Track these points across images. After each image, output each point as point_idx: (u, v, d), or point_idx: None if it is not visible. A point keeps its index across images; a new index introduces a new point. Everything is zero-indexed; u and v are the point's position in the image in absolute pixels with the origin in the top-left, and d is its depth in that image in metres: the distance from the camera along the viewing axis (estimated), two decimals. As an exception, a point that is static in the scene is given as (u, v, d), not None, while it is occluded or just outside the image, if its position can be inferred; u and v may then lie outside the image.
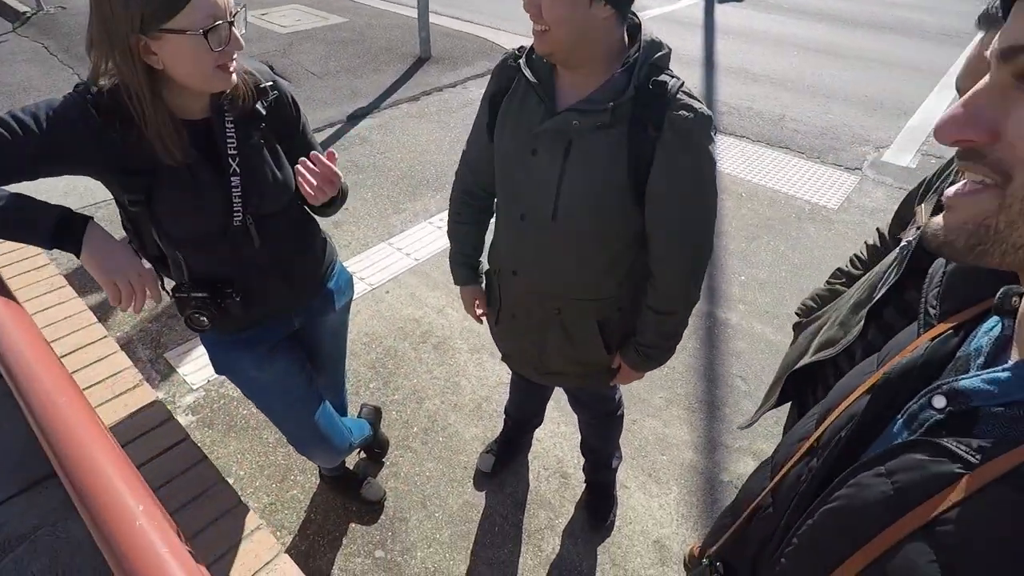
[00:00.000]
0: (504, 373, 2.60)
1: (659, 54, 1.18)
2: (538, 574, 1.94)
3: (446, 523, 2.06)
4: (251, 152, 1.24)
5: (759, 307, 3.06)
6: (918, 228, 1.11)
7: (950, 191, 0.44)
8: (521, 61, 1.26)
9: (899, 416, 0.55)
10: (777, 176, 4.25)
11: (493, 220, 1.54)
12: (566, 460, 2.27)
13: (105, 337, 1.95)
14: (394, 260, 3.30)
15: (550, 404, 2.15)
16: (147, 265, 1.19)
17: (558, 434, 2.38)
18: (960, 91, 0.86)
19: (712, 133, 1.18)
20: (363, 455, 2.25)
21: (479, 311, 1.67)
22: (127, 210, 1.20)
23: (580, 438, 2.06)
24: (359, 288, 3.05)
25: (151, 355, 2.64)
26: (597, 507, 2.09)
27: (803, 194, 4.04)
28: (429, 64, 5.92)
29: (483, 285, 1.66)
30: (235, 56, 1.12)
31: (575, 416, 1.97)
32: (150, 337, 2.73)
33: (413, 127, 4.76)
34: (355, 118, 4.86)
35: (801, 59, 6.42)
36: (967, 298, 0.58)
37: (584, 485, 2.18)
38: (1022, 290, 0.50)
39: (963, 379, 0.49)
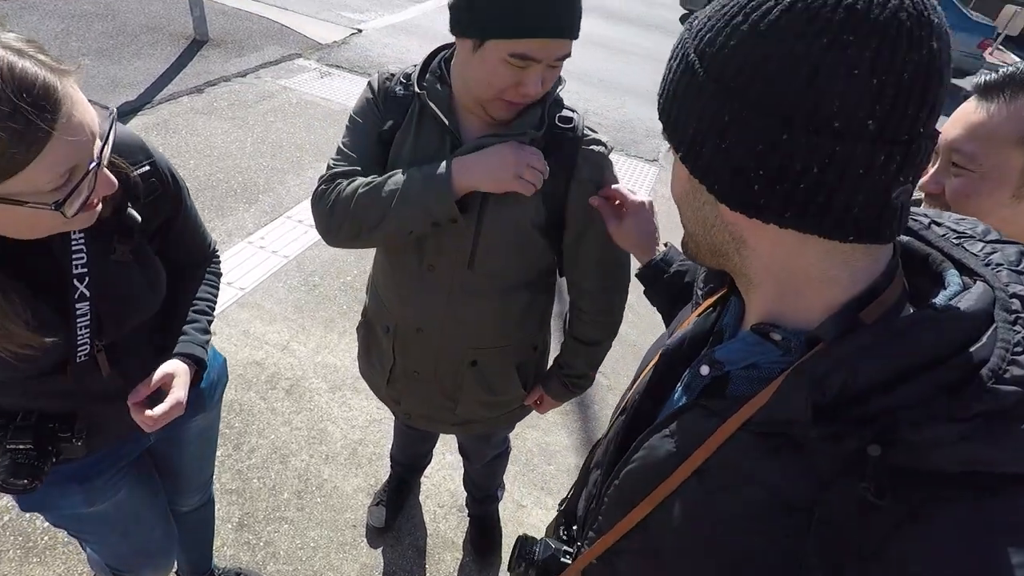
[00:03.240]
0: (375, 409, 2.39)
1: (561, 87, 1.16)
2: (457, 625, 1.84)
3: (345, 597, 1.84)
4: (112, 271, 0.92)
5: (638, 311, 3.24)
6: None
7: None
8: (422, 95, 1.12)
9: (679, 384, 0.66)
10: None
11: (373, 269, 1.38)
12: (459, 493, 2.18)
13: None
14: (215, 292, 2.81)
15: (440, 440, 2.03)
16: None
17: (446, 465, 2.27)
18: (947, 141, 0.91)
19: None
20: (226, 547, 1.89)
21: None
22: None
23: (464, 473, 1.98)
24: (176, 333, 2.55)
25: None
26: (482, 541, 2.03)
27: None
28: (208, 48, 5.12)
29: (360, 337, 1.51)
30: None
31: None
32: None
33: (203, 126, 4.08)
34: (122, 115, 4.00)
35: (604, 57, 6.91)
36: (721, 279, 0.69)
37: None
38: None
39: (717, 349, 0.60)
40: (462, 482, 2.02)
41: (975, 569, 0.42)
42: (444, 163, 1.08)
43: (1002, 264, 0.51)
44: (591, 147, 1.16)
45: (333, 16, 6.61)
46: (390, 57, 5.81)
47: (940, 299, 0.48)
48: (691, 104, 0.49)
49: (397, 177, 1.11)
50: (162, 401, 1.00)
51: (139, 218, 0.94)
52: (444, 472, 2.25)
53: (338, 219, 1.14)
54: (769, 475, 0.51)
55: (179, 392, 1.02)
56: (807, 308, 0.53)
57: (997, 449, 0.43)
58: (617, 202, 1.16)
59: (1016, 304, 0.47)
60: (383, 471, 2.15)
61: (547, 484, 2.28)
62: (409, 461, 2.03)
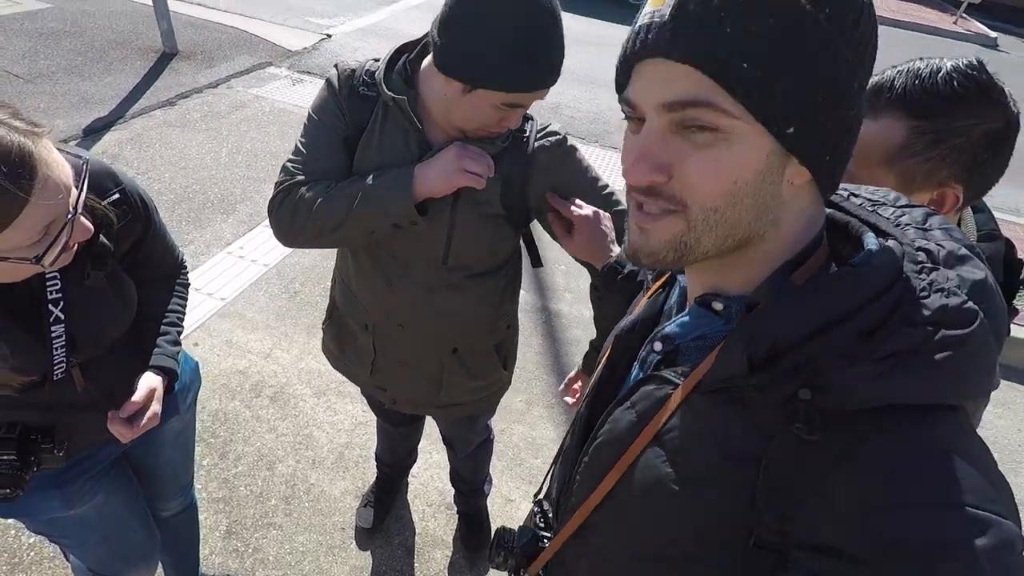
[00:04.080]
0: (360, 412, 2.41)
1: None
2: (449, 619, 1.86)
3: (337, 598, 1.86)
4: (85, 295, 0.95)
5: (583, 292, 3.27)
6: None
7: (635, 218, 0.55)
8: (389, 93, 1.13)
9: (635, 362, 0.69)
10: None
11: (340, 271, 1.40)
12: (447, 490, 2.20)
13: None
14: (195, 304, 2.80)
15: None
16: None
17: (433, 464, 2.29)
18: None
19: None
20: (213, 554, 1.90)
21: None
22: None
23: (450, 467, 2.00)
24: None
25: None
26: (472, 538, 2.05)
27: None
28: (178, 60, 5.09)
29: (329, 335, 1.52)
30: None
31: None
32: None
33: (177, 138, 4.07)
34: (95, 131, 3.98)
35: (574, 50, 6.90)
36: None
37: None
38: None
39: (667, 326, 0.64)
40: (449, 479, 2.04)
41: (898, 496, 0.44)
42: (407, 170, 1.11)
43: (910, 224, 0.56)
44: (545, 138, 1.20)
45: (301, 23, 6.58)
46: (362, 61, 5.80)
47: (858, 258, 0.52)
48: (818, 77, 0.46)
49: (360, 182, 1.12)
50: (139, 414, 1.04)
51: (111, 246, 0.97)
52: (431, 471, 2.27)
53: (299, 224, 1.15)
54: (719, 432, 0.54)
55: (156, 406, 1.07)
56: (746, 274, 0.56)
57: (911, 383, 0.46)
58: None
59: (922, 256, 0.51)
60: (370, 473, 2.17)
61: (535, 478, 2.30)
62: (394, 461, 2.04)
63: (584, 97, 5.71)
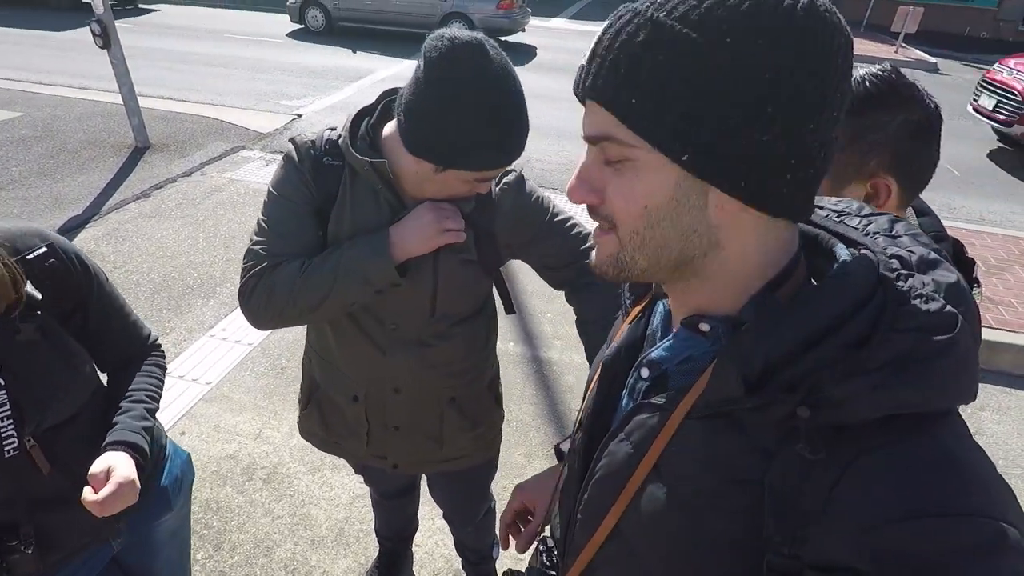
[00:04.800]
0: (357, 484, 2.34)
1: None
2: None
3: None
4: (20, 353, 0.91)
5: (572, 338, 3.25)
6: None
7: (594, 233, 0.59)
8: (363, 158, 1.13)
9: (623, 391, 0.68)
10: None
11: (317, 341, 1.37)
12: (454, 557, 2.12)
13: None
14: (179, 392, 2.75)
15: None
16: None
17: (436, 530, 2.22)
18: None
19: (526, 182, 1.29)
20: (216, 650, 1.79)
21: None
22: None
23: (453, 538, 1.92)
24: (143, 440, 2.48)
25: None
26: None
27: (569, 225, 4.49)
28: (151, 153, 5.18)
29: (312, 420, 1.45)
30: None
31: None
32: None
33: (153, 229, 4.09)
34: (69, 230, 4.00)
35: (539, 106, 7.16)
36: (647, 287, 0.74)
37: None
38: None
39: (652, 351, 0.64)
40: (455, 549, 1.96)
41: (907, 508, 0.44)
42: (380, 235, 1.12)
43: (878, 232, 0.57)
44: (503, 182, 1.24)
45: (271, 106, 6.78)
46: (318, 132, 5.95)
47: (833, 270, 0.53)
48: (712, 104, 0.48)
49: (335, 255, 1.13)
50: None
51: (39, 295, 0.92)
52: (436, 538, 2.20)
53: (276, 306, 1.12)
54: (718, 456, 0.53)
55: (123, 471, 0.96)
56: (732, 295, 0.56)
57: (908, 392, 0.46)
58: None
59: (895, 263, 0.52)
60: (372, 548, 2.09)
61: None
62: (395, 533, 1.97)
63: (552, 150, 5.88)
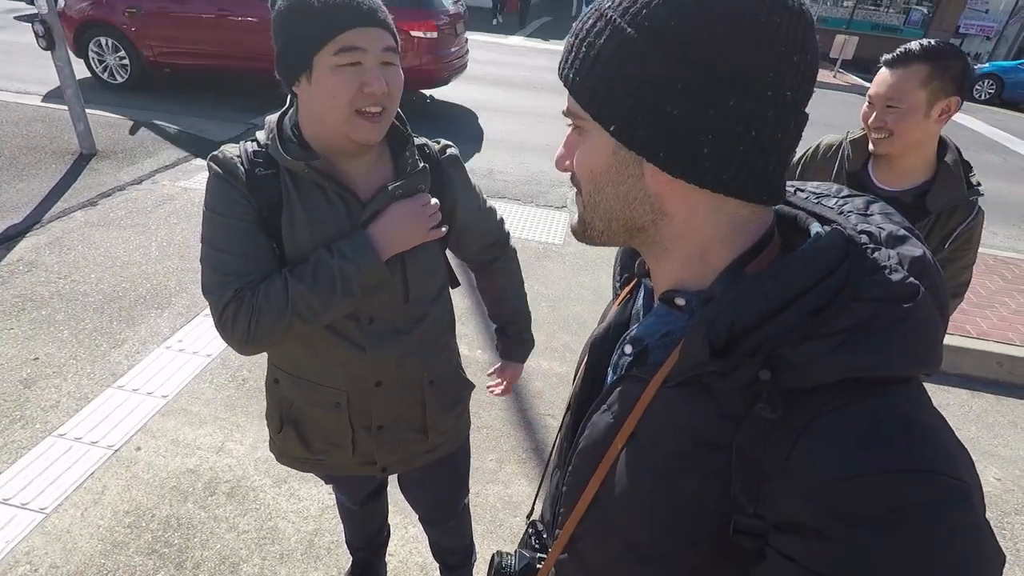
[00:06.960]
0: (327, 495, 2.28)
1: (449, 150, 1.34)
2: None
3: None
4: None
5: (538, 345, 3.27)
6: None
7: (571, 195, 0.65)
8: (298, 163, 1.10)
9: (609, 367, 0.72)
10: (507, 224, 4.69)
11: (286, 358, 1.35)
12: (429, 565, 2.09)
13: None
14: (134, 406, 2.63)
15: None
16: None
17: (409, 539, 2.18)
18: (880, 95, 1.56)
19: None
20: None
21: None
22: None
23: (429, 543, 1.89)
24: (95, 456, 2.35)
25: None
26: None
27: (533, 236, 4.53)
28: (98, 160, 4.96)
29: (289, 442, 1.40)
30: None
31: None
32: None
33: (100, 238, 3.91)
34: (8, 239, 3.78)
35: (502, 120, 7.25)
36: (630, 270, 0.78)
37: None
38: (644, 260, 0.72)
39: (634, 328, 0.68)
40: (432, 554, 1.93)
41: (857, 466, 0.45)
42: (359, 237, 1.13)
43: (852, 211, 0.61)
44: (446, 154, 1.31)
45: (226, 115, 6.61)
46: (238, 144, 5.84)
47: (805, 244, 0.56)
48: (630, 76, 0.52)
49: (321, 268, 1.10)
50: None
51: None
52: (409, 546, 2.16)
53: (266, 328, 1.09)
54: (690, 421, 0.56)
55: None
56: (705, 271, 0.60)
57: (864, 356, 0.48)
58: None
59: (864, 238, 0.55)
60: (344, 560, 2.04)
61: (517, 537, 2.23)
62: (367, 542, 1.93)
63: (514, 162, 5.94)
